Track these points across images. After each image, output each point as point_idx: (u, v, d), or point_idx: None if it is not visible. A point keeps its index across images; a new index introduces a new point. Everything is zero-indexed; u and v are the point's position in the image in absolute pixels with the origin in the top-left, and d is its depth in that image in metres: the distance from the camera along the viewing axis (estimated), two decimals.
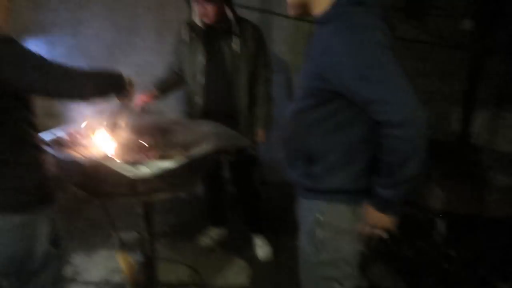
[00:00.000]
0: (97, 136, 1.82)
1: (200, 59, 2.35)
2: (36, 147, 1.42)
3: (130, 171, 1.48)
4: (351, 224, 1.40)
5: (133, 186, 1.59)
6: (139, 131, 2.02)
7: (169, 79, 2.49)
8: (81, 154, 1.66)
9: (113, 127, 1.75)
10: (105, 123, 1.79)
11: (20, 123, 1.34)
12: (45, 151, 1.48)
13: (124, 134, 1.86)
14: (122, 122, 1.75)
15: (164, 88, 2.43)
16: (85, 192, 1.75)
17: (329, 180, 1.35)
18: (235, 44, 2.31)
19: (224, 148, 1.89)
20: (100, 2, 3.32)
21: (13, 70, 1.22)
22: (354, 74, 1.18)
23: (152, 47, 3.37)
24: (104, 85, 1.49)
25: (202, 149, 1.76)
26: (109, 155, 1.65)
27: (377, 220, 1.34)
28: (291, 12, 1.39)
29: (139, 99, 2.25)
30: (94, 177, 1.60)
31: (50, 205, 1.46)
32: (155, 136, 1.98)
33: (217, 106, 2.42)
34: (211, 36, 2.34)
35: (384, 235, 1.39)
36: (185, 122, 2.25)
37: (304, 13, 1.38)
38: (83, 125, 1.94)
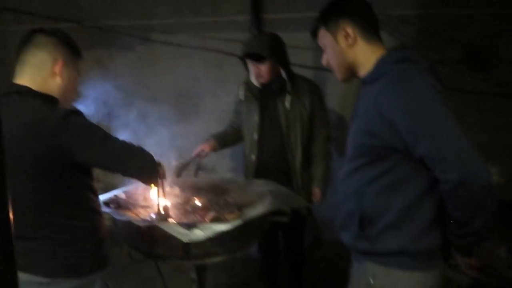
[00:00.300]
0: (154, 197, 1.83)
1: (255, 117, 2.38)
2: (95, 211, 1.44)
3: (184, 235, 1.44)
4: None
5: (187, 249, 1.56)
6: (194, 190, 2.01)
7: (228, 133, 2.54)
8: (137, 215, 1.66)
9: (168, 188, 1.75)
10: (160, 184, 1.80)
11: (80, 189, 1.38)
12: (102, 216, 1.49)
13: (180, 195, 1.86)
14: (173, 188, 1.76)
15: (222, 141, 2.48)
16: (139, 253, 1.74)
17: (385, 242, 1.27)
18: (287, 101, 2.32)
19: (280, 209, 1.82)
20: (160, 64, 3.53)
21: (76, 142, 1.28)
22: (410, 129, 1.14)
23: (210, 106, 3.48)
24: (151, 168, 1.51)
25: (257, 210, 1.70)
26: (164, 217, 1.63)
27: (462, 261, 1.31)
28: (340, 77, 1.39)
29: (198, 148, 2.31)
30: (148, 239, 1.59)
31: (104, 269, 1.45)
32: (210, 195, 1.96)
33: (270, 163, 2.40)
34: (266, 95, 2.38)
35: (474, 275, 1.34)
36: (240, 182, 2.22)
37: (352, 77, 1.38)
38: (141, 185, 1.97)
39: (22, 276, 1.32)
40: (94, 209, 1.43)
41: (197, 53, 3.41)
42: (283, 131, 2.34)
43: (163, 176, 1.63)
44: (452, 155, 1.10)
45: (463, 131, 1.12)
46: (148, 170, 1.49)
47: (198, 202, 1.89)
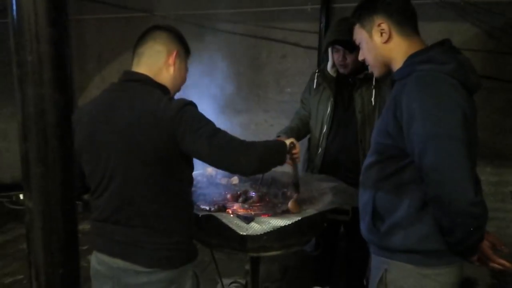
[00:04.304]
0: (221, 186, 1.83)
1: (328, 107, 2.24)
2: (191, 204, 1.44)
3: (241, 227, 1.42)
4: (417, 285, 1.26)
5: (243, 242, 1.54)
6: (253, 181, 1.99)
7: (300, 128, 2.33)
8: (197, 205, 1.67)
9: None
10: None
11: (184, 180, 1.38)
12: (193, 208, 1.48)
13: (238, 185, 1.84)
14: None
15: (297, 138, 2.21)
16: (195, 240, 1.75)
17: (394, 239, 1.27)
18: (373, 96, 2.16)
19: (340, 207, 1.74)
20: (226, 53, 3.54)
21: (188, 133, 1.25)
22: (409, 135, 1.15)
23: (271, 96, 3.43)
24: (269, 159, 1.43)
25: (318, 207, 1.64)
26: (225, 208, 1.63)
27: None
28: (375, 73, 1.38)
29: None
30: (207, 228, 1.59)
31: (195, 261, 1.45)
32: (273, 190, 1.92)
33: (338, 159, 2.25)
34: (341, 86, 2.24)
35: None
36: (304, 177, 2.13)
37: (387, 73, 1.35)
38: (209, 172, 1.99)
39: (120, 263, 1.34)
40: (191, 202, 1.43)
41: (262, 43, 3.38)
42: (358, 126, 2.18)
43: (296, 156, 1.65)
44: (437, 171, 1.11)
45: (466, 148, 1.10)
46: (255, 168, 1.36)
47: (260, 197, 1.86)
